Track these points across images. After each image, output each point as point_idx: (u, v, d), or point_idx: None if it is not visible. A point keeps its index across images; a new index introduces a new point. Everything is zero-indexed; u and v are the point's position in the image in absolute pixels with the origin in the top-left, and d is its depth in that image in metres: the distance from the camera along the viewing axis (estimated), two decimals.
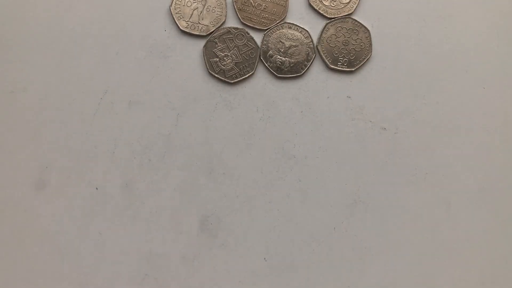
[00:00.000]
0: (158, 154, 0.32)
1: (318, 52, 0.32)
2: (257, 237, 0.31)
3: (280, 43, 0.32)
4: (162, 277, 0.31)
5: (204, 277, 0.31)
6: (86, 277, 0.31)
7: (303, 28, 0.32)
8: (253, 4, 0.32)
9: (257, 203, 0.32)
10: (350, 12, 0.32)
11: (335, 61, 0.32)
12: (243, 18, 0.32)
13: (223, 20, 0.32)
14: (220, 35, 0.32)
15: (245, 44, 0.32)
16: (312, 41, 0.32)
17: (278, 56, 0.32)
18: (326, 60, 0.32)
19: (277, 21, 0.32)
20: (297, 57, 0.32)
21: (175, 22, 0.32)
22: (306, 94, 0.32)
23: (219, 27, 0.32)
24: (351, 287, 0.31)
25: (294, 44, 0.32)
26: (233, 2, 0.33)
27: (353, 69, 0.32)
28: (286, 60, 0.32)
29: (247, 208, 0.32)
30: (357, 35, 0.32)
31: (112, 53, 0.32)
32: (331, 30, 0.32)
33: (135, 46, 0.32)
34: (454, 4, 0.33)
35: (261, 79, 0.32)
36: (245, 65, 0.32)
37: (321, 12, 0.32)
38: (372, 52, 0.32)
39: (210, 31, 0.32)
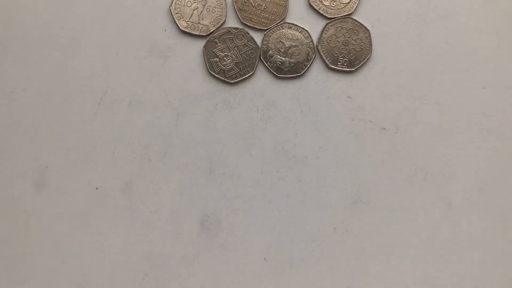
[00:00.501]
0: (158, 154, 0.32)
1: (318, 52, 0.32)
2: (257, 237, 0.31)
3: (280, 43, 0.32)
4: (162, 277, 0.31)
5: (204, 277, 0.31)
6: (86, 277, 0.31)
7: (303, 28, 0.32)
8: (253, 4, 0.32)
9: (257, 203, 0.32)
10: (350, 12, 0.32)
11: (335, 61, 0.32)
12: (243, 18, 0.32)
13: (223, 20, 0.32)
14: (220, 35, 0.32)
15: (245, 44, 0.32)
16: (312, 41, 0.32)
17: (278, 56, 0.32)
18: (326, 60, 0.32)
19: (277, 21, 0.32)
20: (297, 57, 0.32)
21: (175, 22, 0.32)
22: (306, 94, 0.32)
23: (219, 27, 0.32)
24: (351, 287, 0.31)
25: (294, 44, 0.32)
26: (233, 2, 0.33)
27: (353, 69, 0.32)
28: (286, 60, 0.32)
29: (247, 208, 0.32)
30: (357, 35, 0.32)
31: (112, 53, 0.32)
32: (331, 30, 0.32)
33: (135, 46, 0.32)
34: (454, 4, 0.33)
35: (261, 79, 0.32)
36: (245, 65, 0.32)
37: (321, 12, 0.32)
38: (372, 52, 0.32)
39: (210, 31, 0.32)
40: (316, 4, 0.32)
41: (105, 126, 0.32)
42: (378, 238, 0.31)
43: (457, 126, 0.32)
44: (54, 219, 0.31)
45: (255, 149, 0.32)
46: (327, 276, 0.31)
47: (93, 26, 0.32)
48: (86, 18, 0.33)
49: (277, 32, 0.32)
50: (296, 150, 0.32)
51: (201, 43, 0.32)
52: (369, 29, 0.32)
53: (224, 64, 0.32)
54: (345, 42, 0.32)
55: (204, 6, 0.32)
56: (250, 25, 0.32)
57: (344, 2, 0.33)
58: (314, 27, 0.32)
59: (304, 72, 0.32)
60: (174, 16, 0.32)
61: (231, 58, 0.32)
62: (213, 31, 0.32)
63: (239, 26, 0.33)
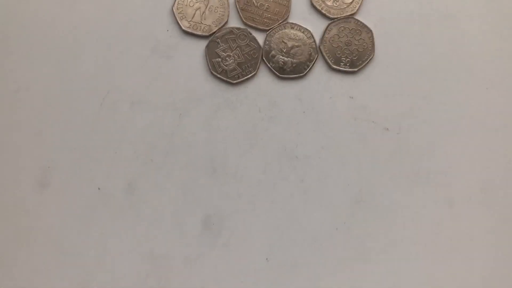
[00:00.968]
0: (161, 154, 0.32)
1: (321, 52, 0.32)
2: (260, 237, 0.31)
3: (283, 43, 0.32)
4: (164, 277, 0.31)
5: (206, 277, 0.31)
6: (88, 277, 0.31)
7: (305, 28, 0.32)
8: (256, 4, 0.32)
9: (259, 203, 0.32)
10: (352, 12, 0.32)
11: (337, 61, 0.32)
12: (246, 18, 0.32)
13: (226, 20, 0.32)
14: (223, 35, 0.32)
15: (247, 44, 0.32)
16: (314, 41, 0.32)
17: (281, 56, 0.32)
18: (328, 60, 0.32)
19: (280, 21, 0.32)
20: (299, 57, 0.32)
21: (178, 22, 0.32)
22: (309, 95, 0.32)
23: (221, 27, 0.32)
24: (353, 287, 0.31)
25: (296, 44, 0.32)
26: (235, 2, 0.33)
27: (355, 69, 0.32)
28: (289, 60, 0.32)
29: (249, 208, 0.32)
30: (359, 35, 0.32)
31: (114, 53, 0.32)
32: (334, 30, 0.32)
33: (137, 46, 0.32)
34: (456, 4, 0.33)
35: (264, 79, 0.32)
36: (247, 65, 0.32)
37: (324, 12, 0.32)
38: (375, 52, 0.32)
39: (213, 31, 0.32)
40: (318, 4, 0.32)
41: (108, 126, 0.32)
42: (380, 238, 0.31)
43: (459, 127, 0.32)
44: (56, 218, 0.31)
45: (258, 149, 0.32)
46: (330, 276, 0.31)
47: (96, 26, 0.32)
48: (89, 19, 0.33)
49: (280, 32, 0.32)
50: (299, 150, 0.32)
51: (204, 43, 0.32)
52: (371, 29, 0.32)
53: (227, 64, 0.32)
54: (348, 42, 0.32)
55: (206, 6, 0.32)
56: (253, 25, 0.32)
57: (347, 2, 0.33)
58: (316, 27, 0.32)
59: (307, 72, 0.32)
60: (176, 16, 0.32)
61: (234, 58, 0.32)
62: (216, 31, 0.32)
63: (242, 26, 0.33)
